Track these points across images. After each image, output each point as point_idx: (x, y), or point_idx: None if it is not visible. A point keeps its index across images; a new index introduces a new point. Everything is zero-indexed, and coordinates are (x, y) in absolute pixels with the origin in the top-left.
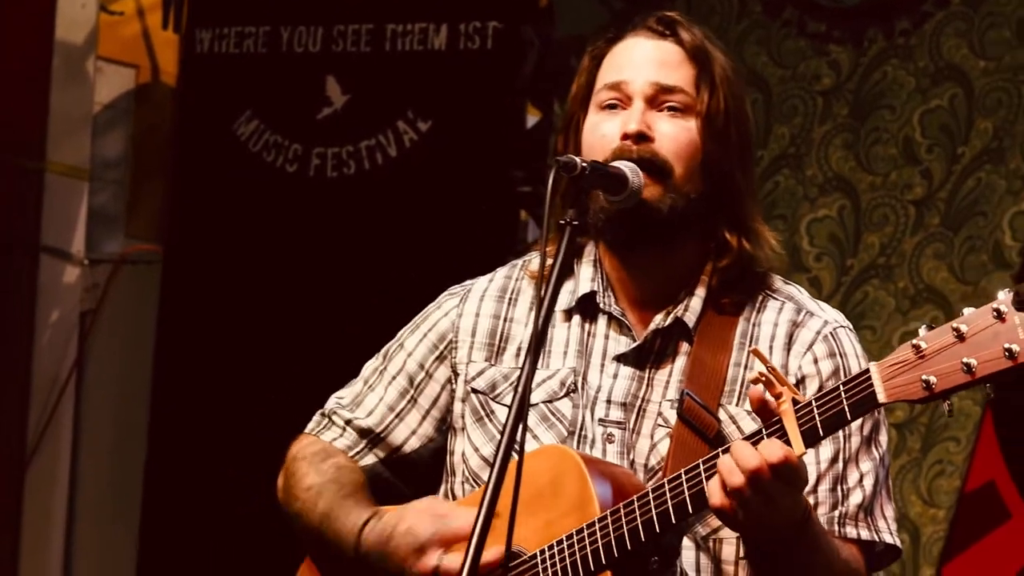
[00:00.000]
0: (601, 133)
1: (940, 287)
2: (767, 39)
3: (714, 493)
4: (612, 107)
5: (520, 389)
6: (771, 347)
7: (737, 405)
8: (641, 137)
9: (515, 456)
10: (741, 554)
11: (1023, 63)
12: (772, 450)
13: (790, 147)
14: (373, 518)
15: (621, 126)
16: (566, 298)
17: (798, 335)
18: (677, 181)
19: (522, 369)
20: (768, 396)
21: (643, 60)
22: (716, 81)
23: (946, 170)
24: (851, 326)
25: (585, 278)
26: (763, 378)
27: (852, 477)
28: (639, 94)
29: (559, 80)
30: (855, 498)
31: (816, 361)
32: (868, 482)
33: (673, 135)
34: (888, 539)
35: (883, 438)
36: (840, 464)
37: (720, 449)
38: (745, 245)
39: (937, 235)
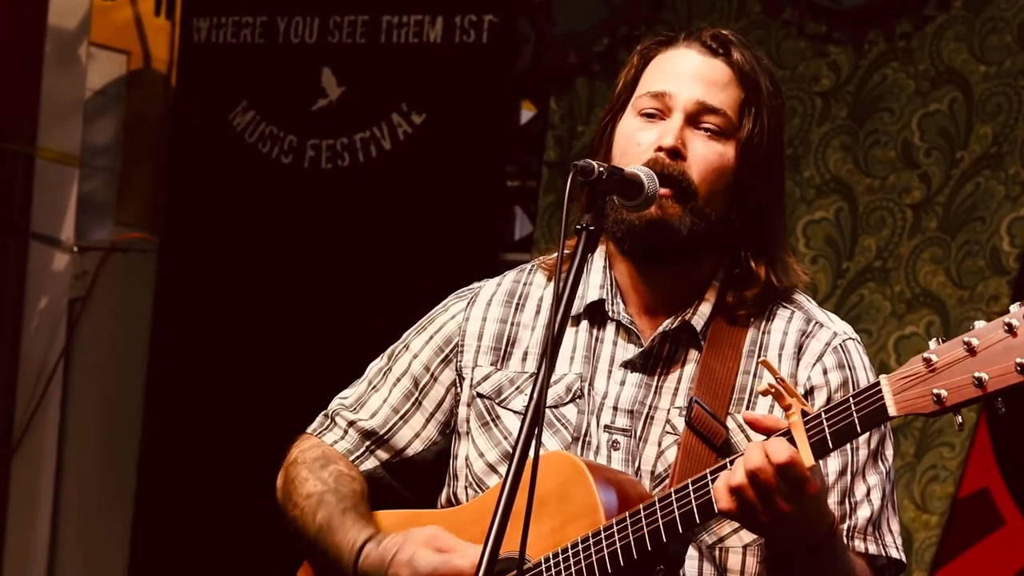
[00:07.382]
0: (636, 140)
1: (937, 291)
2: (766, 39)
3: (720, 494)
4: (651, 116)
5: (535, 398)
6: (780, 356)
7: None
8: (675, 153)
9: (524, 462)
10: (747, 565)
11: (1023, 68)
12: (777, 449)
13: (788, 148)
14: (372, 540)
15: (657, 137)
16: (575, 304)
17: (807, 345)
18: (700, 203)
19: (535, 380)
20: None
21: (691, 75)
22: (760, 108)
23: (945, 174)
24: (859, 339)
25: (594, 285)
26: (772, 389)
27: (860, 490)
28: (680, 108)
29: (556, 76)
30: (863, 512)
31: (825, 372)
32: (876, 496)
33: (706, 157)
34: (895, 554)
35: (889, 452)
36: (848, 477)
37: (728, 460)
38: (772, 277)
39: (934, 239)
